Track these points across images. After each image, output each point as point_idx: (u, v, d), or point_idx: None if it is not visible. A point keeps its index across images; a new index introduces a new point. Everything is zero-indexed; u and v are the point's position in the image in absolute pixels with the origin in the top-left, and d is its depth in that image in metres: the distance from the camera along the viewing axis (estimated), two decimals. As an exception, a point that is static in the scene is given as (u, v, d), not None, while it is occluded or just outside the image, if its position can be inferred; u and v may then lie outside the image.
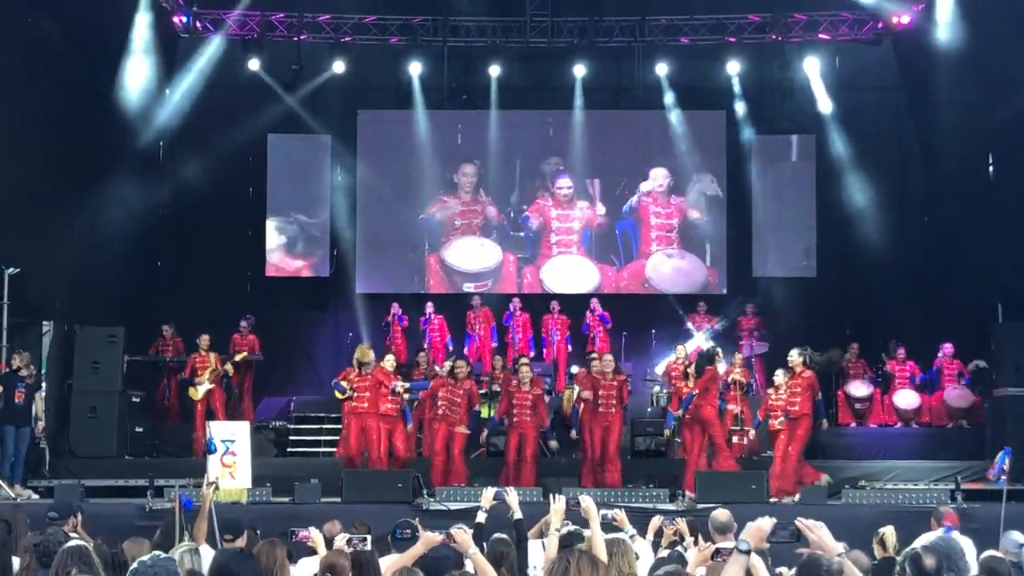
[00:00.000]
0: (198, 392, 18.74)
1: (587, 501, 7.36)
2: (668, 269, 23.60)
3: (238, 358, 19.54)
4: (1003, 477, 13.59)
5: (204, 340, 19.14)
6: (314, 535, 8.22)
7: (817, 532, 4.84)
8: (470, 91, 23.71)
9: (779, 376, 16.44)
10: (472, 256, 23.66)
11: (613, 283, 23.55)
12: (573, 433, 17.30)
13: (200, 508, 9.65)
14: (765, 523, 4.85)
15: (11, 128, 17.48)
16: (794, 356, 16.32)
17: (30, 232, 17.73)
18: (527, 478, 16.30)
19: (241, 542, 8.51)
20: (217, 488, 11.18)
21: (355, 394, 16.48)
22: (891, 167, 23.20)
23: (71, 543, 6.36)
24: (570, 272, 23.66)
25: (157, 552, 5.58)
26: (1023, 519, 12.15)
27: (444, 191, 23.68)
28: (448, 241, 23.61)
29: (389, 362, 17.09)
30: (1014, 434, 17.03)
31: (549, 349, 21.45)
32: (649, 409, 19.30)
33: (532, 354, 20.75)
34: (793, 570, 5.96)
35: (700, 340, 21.22)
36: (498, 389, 18.48)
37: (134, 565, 5.22)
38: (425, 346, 20.78)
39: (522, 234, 23.65)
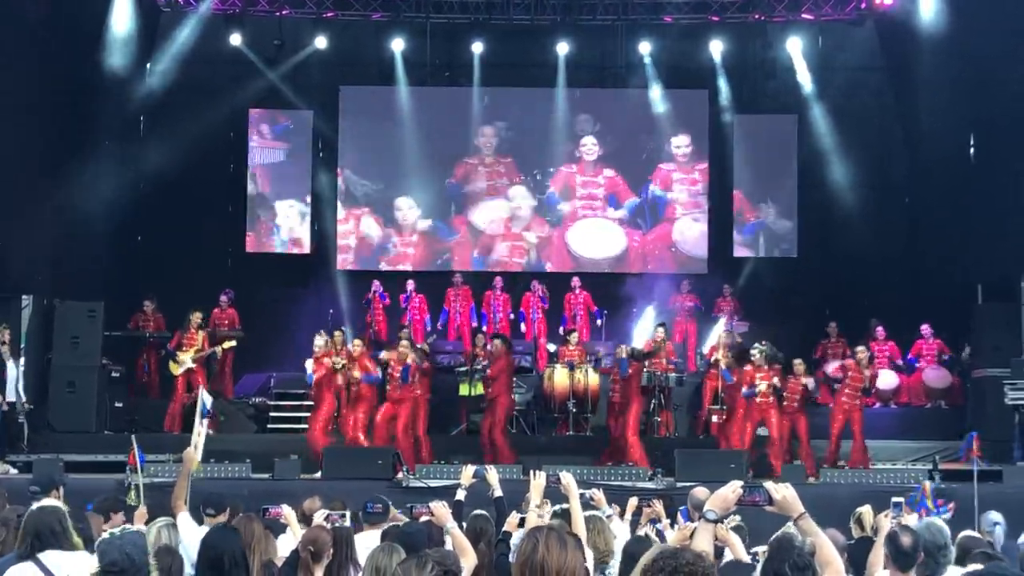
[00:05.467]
0: (178, 368, 18.58)
1: (567, 478, 7.36)
2: (696, 233, 23.59)
3: (227, 345, 19.28)
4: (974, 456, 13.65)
5: (196, 317, 18.83)
6: (286, 512, 8.19)
7: (782, 492, 4.82)
8: (452, 68, 23.62)
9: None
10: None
11: (639, 247, 23.60)
12: None
13: (181, 472, 9.56)
14: (730, 491, 4.82)
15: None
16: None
17: (10, 206, 17.60)
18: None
19: (223, 517, 8.48)
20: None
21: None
22: (873, 148, 23.17)
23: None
24: (596, 236, 23.68)
25: (127, 525, 5.54)
26: (999, 498, 12.30)
27: (466, 156, 23.70)
28: (476, 205, 23.73)
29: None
30: (993, 414, 17.12)
31: (529, 327, 21.40)
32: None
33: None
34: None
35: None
36: (479, 367, 18.40)
37: (103, 536, 5.20)
38: (406, 323, 20.71)
39: (544, 197, 23.67)
